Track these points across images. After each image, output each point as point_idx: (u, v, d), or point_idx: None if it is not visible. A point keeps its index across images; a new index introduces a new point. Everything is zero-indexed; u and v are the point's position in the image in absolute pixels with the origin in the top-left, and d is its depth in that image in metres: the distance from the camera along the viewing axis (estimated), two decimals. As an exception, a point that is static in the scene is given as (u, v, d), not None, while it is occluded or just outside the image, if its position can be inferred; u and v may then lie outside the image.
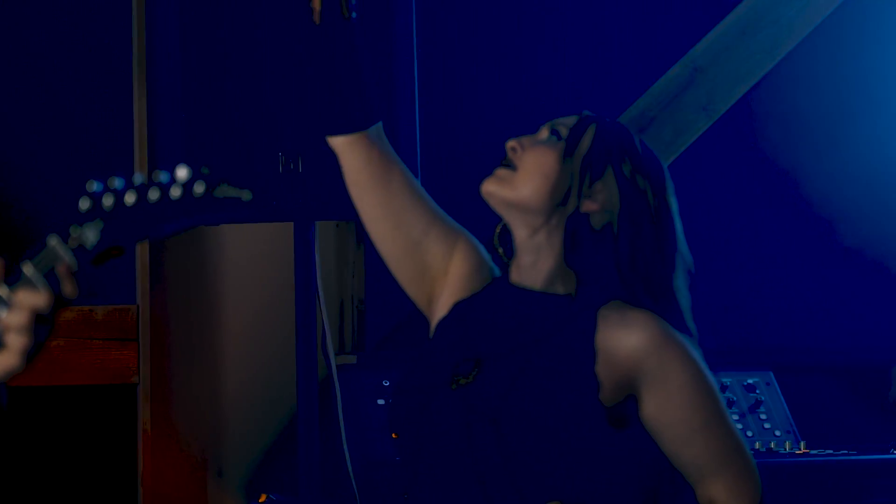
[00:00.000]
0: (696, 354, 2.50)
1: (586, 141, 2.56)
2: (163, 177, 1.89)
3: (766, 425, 4.35)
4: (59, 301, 1.86)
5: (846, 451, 4.19)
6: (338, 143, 2.66)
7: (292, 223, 3.72)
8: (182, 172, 1.90)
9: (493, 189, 2.56)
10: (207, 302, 4.33)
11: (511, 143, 2.57)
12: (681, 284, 2.56)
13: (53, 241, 1.85)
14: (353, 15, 2.60)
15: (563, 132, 2.58)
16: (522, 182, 2.54)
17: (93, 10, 4.31)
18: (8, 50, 4.30)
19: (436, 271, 2.67)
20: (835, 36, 4.69)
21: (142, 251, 4.25)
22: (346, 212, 2.91)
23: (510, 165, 2.56)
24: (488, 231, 2.69)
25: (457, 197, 2.90)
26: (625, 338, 2.46)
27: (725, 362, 4.52)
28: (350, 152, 2.65)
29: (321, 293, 3.89)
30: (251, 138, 3.58)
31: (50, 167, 4.14)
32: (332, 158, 2.73)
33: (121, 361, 4.27)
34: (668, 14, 4.58)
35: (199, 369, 4.32)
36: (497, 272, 2.68)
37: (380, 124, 2.68)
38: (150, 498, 4.21)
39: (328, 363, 4.00)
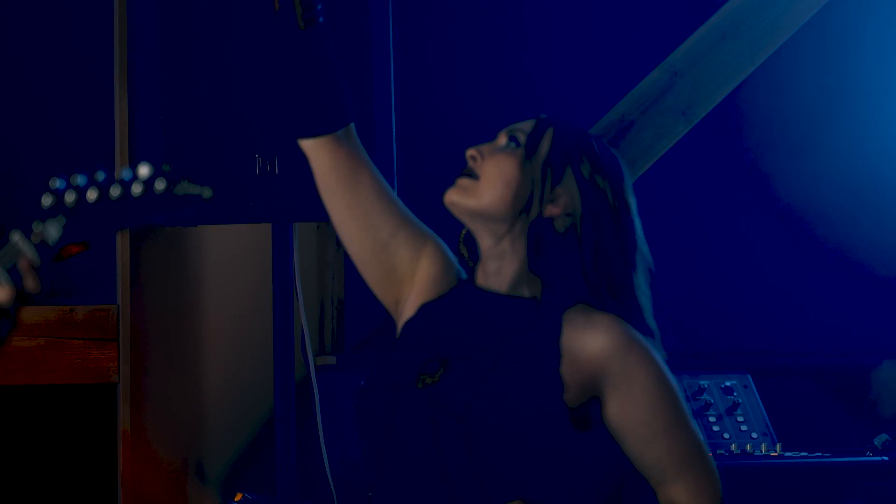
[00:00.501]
0: (659, 357, 2.52)
1: (545, 145, 2.58)
2: (125, 174, 1.92)
3: (744, 427, 4.37)
4: (21, 296, 1.89)
5: (821, 454, 4.22)
6: (306, 145, 2.68)
7: (270, 224, 3.75)
8: (144, 170, 1.93)
9: (456, 199, 2.57)
10: (187, 302, 4.36)
11: (471, 152, 2.58)
12: (642, 283, 2.58)
13: (16, 237, 1.88)
14: (321, 20, 2.62)
15: (522, 138, 2.59)
16: (484, 191, 2.55)
17: (75, 11, 4.34)
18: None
19: (403, 273, 2.68)
20: (815, 40, 4.72)
21: (122, 252, 4.28)
22: (323, 213, 2.93)
23: (472, 174, 2.57)
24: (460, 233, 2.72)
25: (433, 199, 2.92)
26: (589, 340, 2.48)
27: (703, 365, 4.56)
28: (317, 155, 2.67)
29: (300, 294, 3.92)
30: (229, 140, 3.60)
31: (32, 165, 4.15)
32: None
33: (100, 361, 4.29)
34: (647, 18, 4.61)
35: (178, 369, 4.34)
36: (464, 275, 2.69)
37: (350, 126, 2.69)
38: (129, 497, 4.24)
39: (307, 364, 4.03)
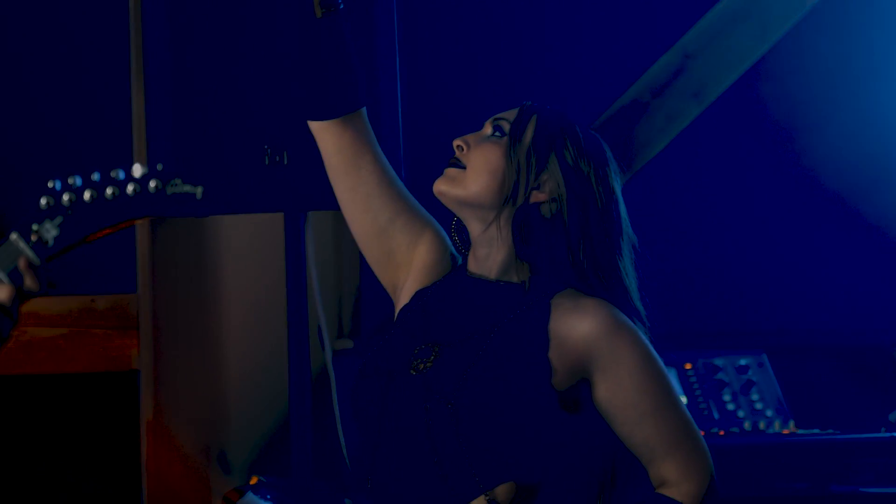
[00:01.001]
0: (646, 340, 2.57)
1: (528, 133, 2.62)
2: (120, 174, 1.98)
3: (758, 406, 4.40)
4: (21, 294, 1.96)
5: (833, 431, 4.25)
6: (313, 126, 2.76)
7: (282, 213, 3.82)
8: (137, 169, 1.99)
9: (445, 188, 2.63)
10: (206, 290, 4.41)
11: (457, 142, 2.64)
12: (628, 266, 2.62)
13: (14, 237, 1.95)
14: (341, 6, 2.69)
15: (506, 126, 2.64)
16: (471, 180, 2.61)
17: (91, 7, 4.40)
18: (7, 50, 4.40)
19: (400, 259, 2.75)
20: (826, 21, 4.72)
21: (142, 241, 4.34)
22: (333, 202, 3.00)
23: (458, 164, 2.63)
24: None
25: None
26: (577, 324, 2.53)
27: (718, 344, 4.59)
28: (322, 137, 2.75)
29: (315, 280, 3.98)
30: (240, 132, 3.66)
31: (35, 166, 4.21)
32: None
33: (122, 349, 4.36)
34: (658, 1, 4.63)
35: (198, 356, 4.40)
36: (458, 263, 2.75)
37: (361, 111, 2.76)
38: (153, 483, 4.30)
39: (324, 348, 4.09)
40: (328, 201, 3.09)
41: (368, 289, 4.46)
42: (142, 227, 4.31)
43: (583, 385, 2.54)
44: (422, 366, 2.56)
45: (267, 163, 3.59)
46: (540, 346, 2.52)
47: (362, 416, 2.64)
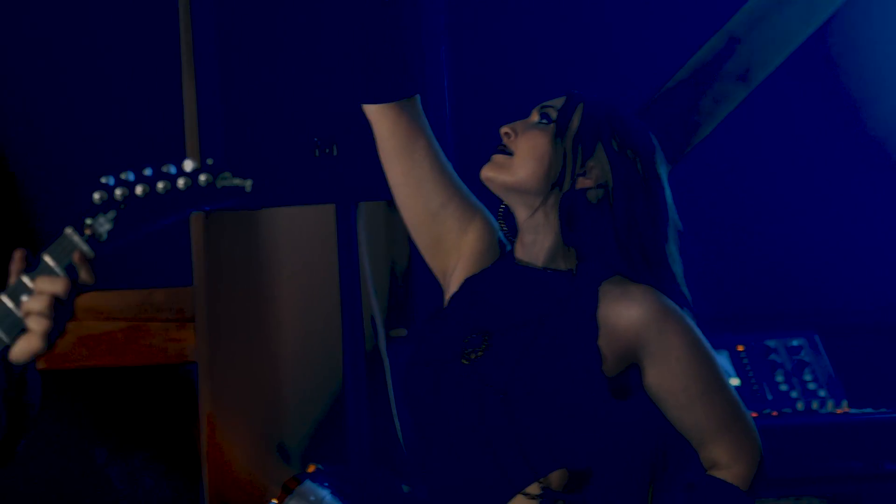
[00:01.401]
0: (693, 324, 2.59)
1: (575, 120, 2.65)
2: (171, 169, 2.03)
3: (811, 386, 4.39)
4: (76, 287, 2.01)
5: (886, 409, 4.24)
6: (370, 110, 2.80)
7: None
8: (188, 164, 2.03)
9: (492, 175, 2.67)
10: (261, 282, 4.44)
11: (504, 129, 2.68)
12: (674, 251, 2.65)
13: (69, 232, 1.99)
14: None
15: (553, 114, 2.68)
16: (518, 166, 2.64)
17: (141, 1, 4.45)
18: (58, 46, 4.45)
19: (450, 244, 2.78)
20: (873, 2, 4.70)
21: (197, 234, 4.38)
22: (382, 193, 3.04)
23: (506, 151, 2.67)
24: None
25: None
26: (625, 312, 2.56)
27: (770, 325, 4.59)
28: (378, 120, 2.79)
29: (369, 270, 4.02)
30: (290, 124, 3.69)
31: (104, 160, 4.25)
32: (370, 141, 2.87)
33: (180, 342, 4.40)
34: (704, -15, 4.63)
35: (254, 347, 4.43)
36: (507, 249, 2.78)
37: (416, 97, 2.80)
38: (213, 474, 4.34)
39: (377, 337, 4.13)
40: (379, 191, 3.13)
41: (419, 278, 4.49)
42: (196, 221, 4.36)
43: (632, 371, 2.57)
44: (472, 355, 2.60)
45: (317, 154, 3.63)
46: (589, 334, 2.55)
47: (415, 406, 2.68)
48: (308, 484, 3.42)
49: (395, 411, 4.03)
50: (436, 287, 3.96)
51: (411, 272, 4.52)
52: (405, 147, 2.78)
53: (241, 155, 3.60)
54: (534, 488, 2.52)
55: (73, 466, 4.42)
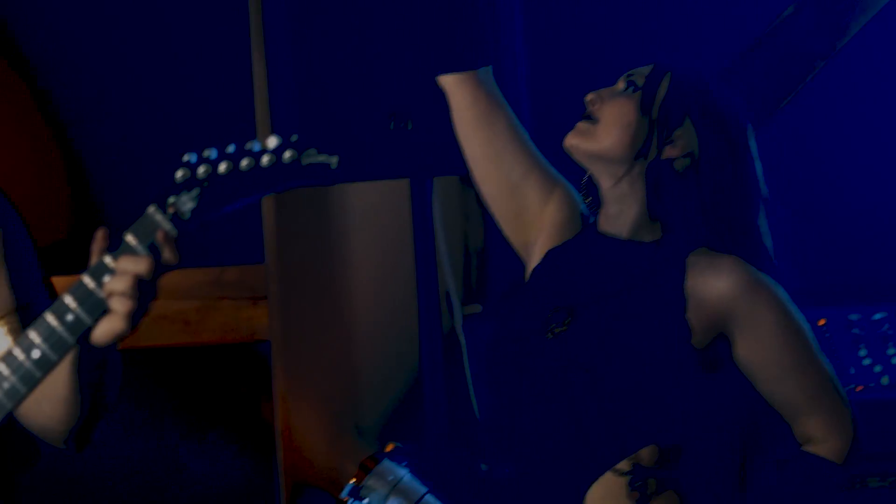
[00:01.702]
0: (785, 295, 2.53)
1: (662, 89, 2.61)
2: (255, 146, 1.98)
3: (895, 360, 4.32)
4: (159, 267, 1.96)
5: (974, 382, 4.17)
6: (448, 81, 2.75)
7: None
8: (272, 141, 1.98)
9: (576, 142, 2.62)
10: (334, 259, 4.40)
11: (590, 97, 2.63)
12: (762, 221, 2.59)
13: (152, 210, 1.95)
14: None
15: (640, 81, 2.63)
16: (603, 134, 2.60)
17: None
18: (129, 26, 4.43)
19: (531, 216, 2.74)
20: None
21: (268, 211, 4.35)
22: (457, 168, 3.00)
23: (591, 118, 2.61)
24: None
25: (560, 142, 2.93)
26: (714, 284, 2.50)
27: (854, 297, 4.51)
28: (458, 91, 2.76)
29: (444, 245, 3.97)
30: (364, 99, 3.64)
31: (176, 140, 4.23)
32: (445, 116, 2.83)
33: (252, 320, 4.38)
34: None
35: (328, 325, 4.40)
36: (590, 221, 2.73)
37: (489, 68, 2.77)
38: (287, 452, 4.32)
39: (453, 314, 4.08)
40: (454, 166, 3.09)
41: (495, 254, 4.44)
42: (267, 198, 4.32)
43: (721, 344, 2.51)
44: (557, 329, 2.55)
45: (391, 128, 3.57)
46: (677, 307, 2.50)
47: (499, 382, 2.63)
48: (386, 463, 3.37)
49: (471, 388, 3.98)
50: (511, 263, 3.92)
51: (486, 248, 4.46)
52: (485, 117, 2.75)
53: (314, 130, 3.55)
54: (624, 465, 2.47)
55: (146, 446, 4.41)
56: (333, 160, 2.00)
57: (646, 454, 2.47)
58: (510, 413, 2.60)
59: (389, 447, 3.48)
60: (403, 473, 3.34)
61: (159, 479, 4.46)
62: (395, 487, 3.31)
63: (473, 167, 2.80)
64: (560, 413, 2.51)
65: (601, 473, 2.49)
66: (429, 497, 3.27)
